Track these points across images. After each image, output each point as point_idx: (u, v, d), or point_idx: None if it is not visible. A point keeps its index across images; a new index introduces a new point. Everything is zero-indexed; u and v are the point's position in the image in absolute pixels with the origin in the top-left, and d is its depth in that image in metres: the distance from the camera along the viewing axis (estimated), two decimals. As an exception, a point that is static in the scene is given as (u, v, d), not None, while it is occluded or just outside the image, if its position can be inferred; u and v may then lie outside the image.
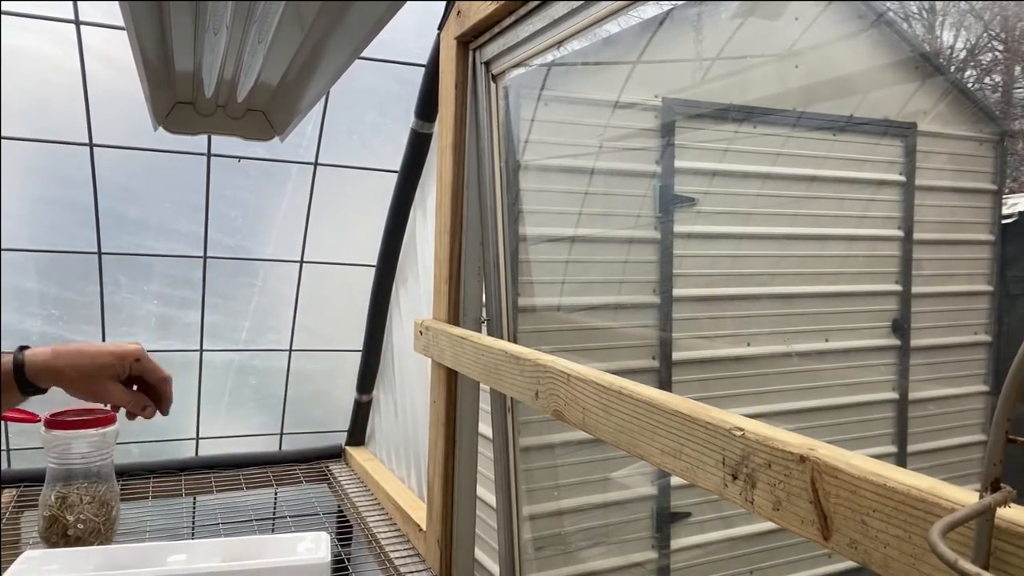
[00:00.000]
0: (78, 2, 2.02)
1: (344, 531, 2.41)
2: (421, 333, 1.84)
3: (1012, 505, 0.55)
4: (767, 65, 3.12)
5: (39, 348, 1.05)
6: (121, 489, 1.80)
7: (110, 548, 1.91)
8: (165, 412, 1.31)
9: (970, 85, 3.57)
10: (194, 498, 2.41)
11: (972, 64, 3.50)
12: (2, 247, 2.32)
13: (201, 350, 2.70)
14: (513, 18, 1.50)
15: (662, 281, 3.03)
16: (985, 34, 3.37)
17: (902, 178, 3.45)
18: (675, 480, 2.98)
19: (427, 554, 1.96)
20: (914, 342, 3.48)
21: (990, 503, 0.54)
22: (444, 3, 1.76)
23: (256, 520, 2.29)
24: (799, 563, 3.23)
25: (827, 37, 3.17)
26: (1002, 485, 0.54)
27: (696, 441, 0.88)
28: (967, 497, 0.59)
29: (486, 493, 1.95)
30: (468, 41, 1.69)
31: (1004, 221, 3.60)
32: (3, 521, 2.07)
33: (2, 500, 2.21)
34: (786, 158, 3.22)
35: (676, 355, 3.04)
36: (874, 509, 0.66)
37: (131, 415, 1.27)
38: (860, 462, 0.69)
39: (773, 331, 3.28)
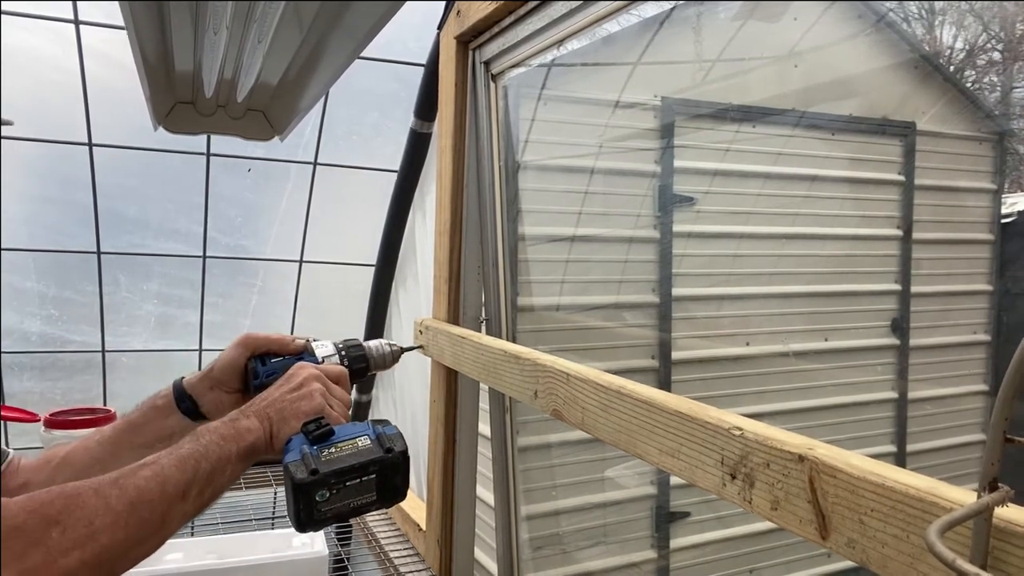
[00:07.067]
0: (78, 2, 2.02)
1: (343, 530, 2.41)
2: (421, 332, 1.84)
3: (1010, 505, 0.55)
4: (767, 66, 3.12)
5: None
6: (121, 489, 1.79)
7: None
8: None
9: (969, 85, 3.57)
10: (194, 498, 2.41)
11: (971, 64, 3.51)
12: (2, 247, 2.32)
13: (200, 350, 2.70)
14: (513, 18, 1.50)
15: (661, 281, 3.03)
16: (984, 34, 3.37)
17: (901, 178, 3.45)
18: (674, 479, 2.98)
19: (427, 553, 1.96)
20: (913, 341, 3.48)
21: (988, 503, 0.54)
22: (444, 3, 1.76)
23: (256, 519, 2.30)
24: (798, 562, 3.23)
25: (827, 37, 3.17)
26: (1000, 485, 0.55)
27: (695, 441, 0.88)
28: (965, 497, 0.59)
29: (485, 492, 1.95)
30: (468, 41, 1.69)
31: (1003, 221, 3.60)
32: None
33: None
34: (785, 158, 3.22)
35: (675, 355, 3.03)
36: (872, 508, 0.66)
37: None
38: (858, 462, 0.69)
39: (772, 331, 3.28)
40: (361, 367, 1.18)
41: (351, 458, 0.90)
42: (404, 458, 0.93)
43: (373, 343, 1.21)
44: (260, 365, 1.11)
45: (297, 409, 0.96)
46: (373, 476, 0.90)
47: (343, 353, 1.16)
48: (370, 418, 1.02)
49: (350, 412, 1.11)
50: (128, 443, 1.05)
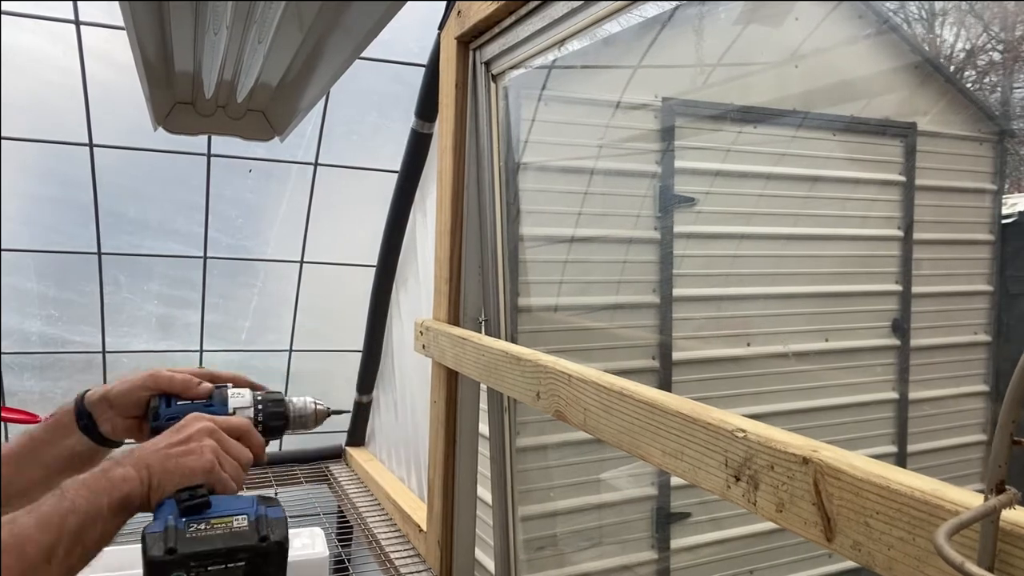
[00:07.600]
0: (78, 2, 2.02)
1: (344, 531, 2.41)
2: (421, 333, 1.84)
3: (1017, 507, 0.55)
4: (768, 67, 3.11)
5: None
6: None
7: (109, 549, 1.90)
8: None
9: (969, 85, 3.57)
10: (194, 498, 2.40)
11: (971, 64, 3.50)
12: (2, 247, 2.32)
13: (201, 350, 2.70)
14: (513, 18, 1.49)
15: (662, 281, 3.02)
16: (985, 34, 3.37)
17: (902, 178, 3.45)
18: (675, 480, 2.98)
19: (427, 554, 1.95)
20: (914, 342, 3.47)
21: (995, 505, 0.54)
22: (444, 3, 1.76)
23: (256, 520, 2.29)
24: (799, 563, 3.23)
25: (828, 39, 3.16)
26: (1007, 487, 0.54)
27: (698, 442, 0.88)
28: (970, 499, 0.59)
29: (487, 493, 1.95)
30: (468, 41, 1.69)
31: (1004, 221, 3.60)
32: (2, 522, 2.06)
33: (1, 501, 2.20)
34: (786, 159, 3.22)
35: (676, 355, 3.03)
36: (877, 511, 0.66)
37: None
38: (863, 464, 0.69)
39: (773, 331, 3.28)
40: (278, 424, 1.09)
41: (220, 540, 0.81)
42: (280, 549, 0.83)
43: (299, 399, 1.13)
44: (164, 406, 1.03)
45: (182, 464, 0.87)
46: (242, 564, 0.81)
47: (260, 408, 1.07)
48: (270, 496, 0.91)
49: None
50: (31, 462, 0.99)
